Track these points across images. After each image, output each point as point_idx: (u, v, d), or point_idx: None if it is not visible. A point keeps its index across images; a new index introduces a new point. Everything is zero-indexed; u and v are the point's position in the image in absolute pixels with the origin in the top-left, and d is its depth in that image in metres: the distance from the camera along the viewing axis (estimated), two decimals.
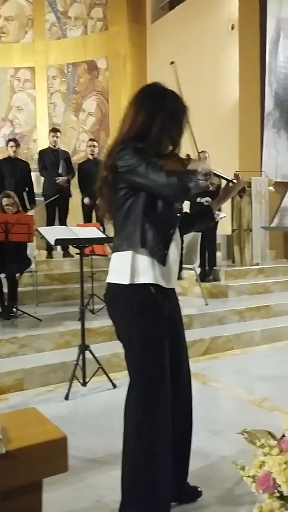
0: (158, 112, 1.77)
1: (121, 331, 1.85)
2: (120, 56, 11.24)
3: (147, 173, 1.68)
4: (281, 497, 1.41)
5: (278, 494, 1.41)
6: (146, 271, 1.76)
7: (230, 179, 1.94)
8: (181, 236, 1.96)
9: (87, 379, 3.60)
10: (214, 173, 1.86)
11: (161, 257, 1.77)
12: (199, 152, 5.48)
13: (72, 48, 11.80)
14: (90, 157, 7.11)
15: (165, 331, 1.81)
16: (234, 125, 8.63)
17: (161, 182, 1.67)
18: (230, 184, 1.96)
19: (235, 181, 1.95)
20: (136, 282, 1.76)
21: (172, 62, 1.88)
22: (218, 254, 7.30)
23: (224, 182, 1.98)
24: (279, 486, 1.39)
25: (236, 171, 2.13)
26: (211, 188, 1.78)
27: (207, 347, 4.51)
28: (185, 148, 1.95)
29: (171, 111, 1.80)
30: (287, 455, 1.36)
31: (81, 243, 3.66)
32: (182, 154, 1.87)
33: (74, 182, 7.17)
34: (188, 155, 1.86)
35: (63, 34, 11.94)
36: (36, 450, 0.88)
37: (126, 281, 1.76)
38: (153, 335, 1.78)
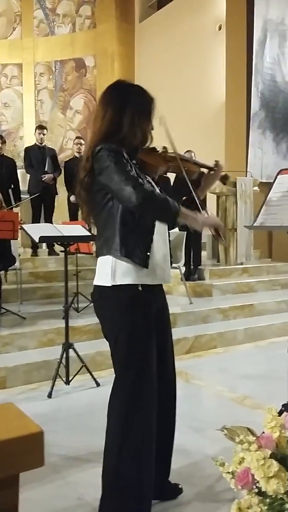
0: (126, 107, 1.80)
1: (108, 330, 1.86)
2: (108, 54, 11.23)
3: (111, 174, 1.70)
4: (260, 493, 1.43)
5: (256, 490, 1.43)
6: (127, 273, 1.77)
7: (211, 166, 1.97)
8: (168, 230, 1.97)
9: (70, 378, 3.59)
10: (194, 162, 1.89)
11: (142, 260, 1.77)
12: (185, 152, 5.54)
13: (60, 46, 11.76)
14: (77, 155, 7.08)
15: (151, 329, 1.82)
16: (220, 125, 8.69)
17: (118, 186, 1.68)
18: (211, 172, 1.98)
19: (215, 168, 1.97)
20: (118, 283, 1.77)
21: (160, 119, 1.89)
22: (204, 253, 7.33)
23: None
24: (258, 482, 1.41)
25: (223, 171, 2.15)
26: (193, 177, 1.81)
27: (191, 346, 4.53)
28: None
29: (139, 104, 1.82)
30: (265, 451, 1.37)
31: (66, 241, 3.65)
32: (158, 147, 1.88)
33: (61, 180, 7.14)
34: (164, 147, 1.88)
35: (51, 31, 11.89)
36: (12, 444, 0.88)
37: (108, 283, 1.78)
38: (139, 333, 1.79)
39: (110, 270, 1.78)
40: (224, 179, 2.02)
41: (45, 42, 11.87)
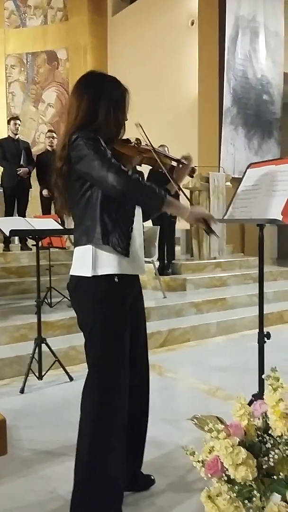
0: (101, 97, 1.80)
1: (83, 320, 1.86)
2: (80, 47, 11.12)
3: (91, 162, 1.68)
4: (229, 480, 1.46)
5: (226, 478, 1.46)
6: (108, 262, 1.77)
7: (181, 160, 1.98)
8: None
9: (43, 373, 3.58)
10: (165, 155, 1.90)
11: (124, 249, 1.77)
12: (159, 146, 5.54)
13: (31, 38, 11.59)
14: (49, 148, 7.02)
15: (126, 320, 1.83)
16: (193, 120, 8.73)
17: (100, 173, 1.66)
18: (181, 165, 2.00)
19: (185, 161, 1.99)
20: (98, 274, 1.76)
21: (137, 125, 1.90)
22: (178, 248, 7.38)
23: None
24: (227, 470, 1.44)
25: (195, 165, 2.17)
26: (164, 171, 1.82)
27: (164, 339, 4.57)
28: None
29: (114, 95, 1.82)
30: (234, 438, 1.40)
31: (37, 234, 3.61)
32: (132, 139, 1.90)
33: (33, 173, 7.07)
34: (137, 139, 1.89)
35: (22, 23, 11.70)
36: None
37: (88, 273, 1.77)
38: (114, 324, 1.79)
39: (90, 260, 1.76)
40: (192, 172, 2.04)
41: (16, 34, 11.68)
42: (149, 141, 1.88)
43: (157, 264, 5.86)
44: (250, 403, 1.78)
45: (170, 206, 1.72)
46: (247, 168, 2.35)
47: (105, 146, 1.75)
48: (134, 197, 1.73)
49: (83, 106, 1.79)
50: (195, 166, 2.14)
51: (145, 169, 2.49)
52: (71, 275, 1.86)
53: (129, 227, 1.81)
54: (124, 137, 1.92)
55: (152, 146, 1.89)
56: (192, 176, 2.08)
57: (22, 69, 11.81)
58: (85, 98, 1.80)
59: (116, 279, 1.77)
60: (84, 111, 1.79)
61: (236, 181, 2.38)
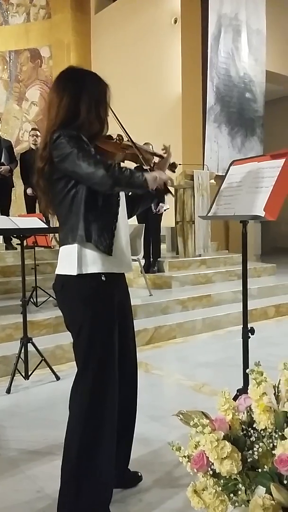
0: (82, 93, 1.78)
1: (70, 320, 1.85)
2: (63, 45, 11.06)
3: (77, 160, 1.67)
4: (214, 474, 1.47)
5: (211, 472, 1.47)
6: (93, 261, 1.77)
7: (162, 154, 1.98)
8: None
9: (29, 372, 3.56)
10: (147, 151, 1.91)
11: (107, 247, 1.77)
12: (143, 144, 5.55)
13: (14, 35, 11.48)
14: (33, 146, 6.97)
15: (114, 319, 1.83)
16: (177, 118, 8.75)
17: (88, 170, 1.66)
18: (161, 159, 1.99)
19: (165, 154, 1.98)
20: (84, 272, 1.76)
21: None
22: (163, 246, 7.40)
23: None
24: (212, 464, 1.45)
25: (179, 163, 2.17)
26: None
27: (150, 337, 4.58)
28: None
29: (94, 90, 1.80)
30: (219, 433, 1.42)
31: (22, 233, 3.60)
32: (113, 134, 1.89)
33: (17, 172, 7.02)
34: (119, 135, 1.89)
35: (4, 20, 11.58)
36: None
37: (73, 272, 1.76)
38: (102, 323, 1.79)
39: (76, 259, 1.76)
40: (173, 167, 2.03)
41: None
42: (129, 135, 1.88)
43: (142, 262, 5.88)
44: (235, 398, 1.81)
45: (149, 182, 1.73)
46: (230, 165, 2.37)
47: (88, 143, 1.74)
48: (123, 189, 1.76)
49: (64, 103, 1.77)
50: (179, 164, 2.15)
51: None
52: (57, 275, 1.85)
53: (113, 226, 1.81)
54: (107, 134, 1.92)
55: (132, 141, 1.89)
56: (173, 171, 2.08)
57: (5, 67, 11.70)
58: (65, 95, 1.77)
59: (103, 278, 1.77)
60: (65, 108, 1.76)
61: (220, 179, 2.39)
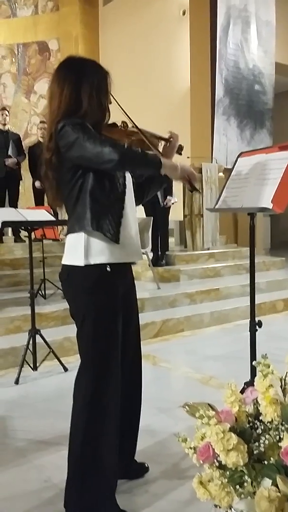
0: (83, 82, 1.77)
1: (75, 310, 1.86)
2: (72, 37, 11.01)
3: (82, 143, 1.66)
4: (220, 466, 1.47)
5: (217, 464, 1.48)
6: (100, 251, 1.77)
7: (168, 138, 1.96)
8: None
9: (38, 364, 3.59)
10: (153, 135, 1.90)
11: (114, 236, 1.77)
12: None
13: (22, 28, 11.45)
14: (41, 139, 6.95)
15: (119, 310, 1.83)
16: (185, 111, 8.69)
17: (94, 150, 1.65)
18: (168, 143, 1.97)
19: (171, 139, 1.96)
20: (91, 263, 1.76)
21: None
22: (171, 239, 7.39)
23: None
24: (218, 456, 1.45)
25: (188, 156, 2.16)
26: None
27: (158, 330, 4.59)
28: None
29: (95, 79, 1.80)
30: (225, 424, 1.42)
31: (30, 225, 3.61)
32: (118, 122, 1.88)
33: (26, 166, 7.02)
34: (124, 122, 1.88)
35: (13, 13, 11.55)
36: None
37: (80, 262, 1.76)
38: (105, 313, 1.79)
39: (83, 249, 1.76)
40: (179, 149, 1.99)
41: (6, 24, 11.53)
42: (133, 122, 1.87)
43: (150, 255, 5.87)
44: (242, 391, 1.80)
45: (165, 167, 1.74)
46: (238, 157, 2.36)
47: (92, 129, 1.73)
48: (132, 166, 1.75)
49: (66, 93, 1.76)
50: (187, 157, 2.14)
51: None
52: (63, 264, 1.85)
53: (120, 214, 1.80)
54: (110, 122, 1.91)
55: (137, 127, 1.87)
56: (180, 154, 2.05)
57: (13, 60, 11.69)
58: (66, 85, 1.77)
59: (108, 268, 1.77)
60: (67, 98, 1.76)
61: (229, 172, 2.38)
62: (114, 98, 1.86)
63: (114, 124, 1.89)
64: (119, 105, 1.83)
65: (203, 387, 3.24)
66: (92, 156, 1.67)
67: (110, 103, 1.86)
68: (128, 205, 1.85)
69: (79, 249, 1.77)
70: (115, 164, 1.67)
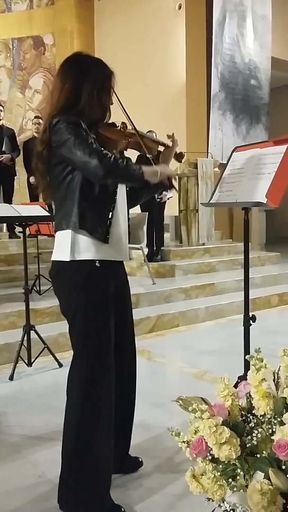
0: (84, 79, 1.77)
1: (65, 306, 1.86)
2: (67, 32, 10.95)
3: (73, 148, 1.67)
4: (213, 460, 1.48)
5: (210, 457, 1.48)
6: (87, 248, 1.76)
7: (167, 143, 1.97)
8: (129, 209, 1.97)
9: (32, 359, 3.58)
10: (152, 140, 1.90)
11: (102, 235, 1.77)
12: (147, 132, 5.52)
13: (17, 23, 11.37)
14: (36, 135, 6.93)
15: (110, 305, 1.83)
16: (181, 105, 8.67)
17: (82, 159, 1.66)
18: (167, 148, 1.98)
19: (170, 144, 1.97)
20: (77, 259, 1.76)
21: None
22: (167, 235, 7.39)
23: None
24: (211, 449, 1.46)
25: (184, 152, 2.16)
26: (150, 156, 1.82)
27: (153, 325, 4.59)
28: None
29: (99, 77, 1.80)
30: (217, 418, 1.42)
31: (23, 221, 3.60)
32: (117, 123, 1.88)
33: (21, 161, 6.99)
34: (123, 123, 1.88)
35: (7, 7, 11.47)
36: None
37: (66, 258, 1.76)
38: (96, 309, 1.79)
39: (69, 245, 1.76)
40: (179, 157, 2.03)
41: (1, 19, 11.44)
42: (133, 124, 1.87)
43: (146, 250, 5.87)
44: (236, 385, 1.80)
45: (146, 174, 1.74)
46: (233, 151, 2.35)
47: (87, 130, 1.73)
48: (115, 180, 1.76)
49: (66, 88, 1.77)
50: (184, 152, 2.14)
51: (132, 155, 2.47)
52: (52, 261, 1.86)
53: (109, 214, 1.80)
54: (110, 121, 1.91)
55: (136, 130, 1.87)
56: (180, 161, 2.07)
57: (8, 54, 11.61)
58: (68, 80, 1.78)
59: (97, 264, 1.77)
60: (67, 93, 1.77)
61: (224, 166, 2.37)
62: (118, 98, 1.86)
63: (113, 124, 1.89)
64: (121, 105, 1.83)
65: (198, 381, 3.25)
66: (78, 163, 1.69)
67: (112, 103, 1.86)
68: (119, 205, 1.85)
69: (66, 245, 1.77)
70: (98, 178, 1.69)
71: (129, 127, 1.90)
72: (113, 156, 1.68)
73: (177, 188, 1.93)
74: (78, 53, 1.89)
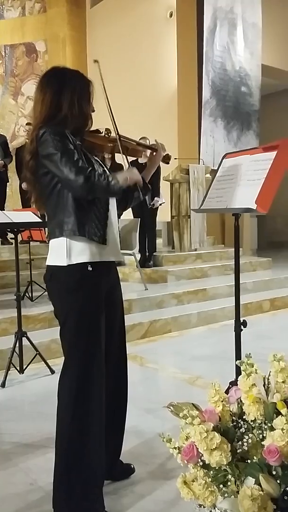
0: (64, 89, 1.83)
1: (58, 309, 1.89)
2: (59, 39, 11.00)
3: (59, 164, 1.71)
4: (204, 465, 1.48)
5: (201, 464, 1.48)
6: (82, 251, 1.80)
7: (153, 147, 2.03)
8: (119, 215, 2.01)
9: (24, 366, 3.57)
10: (138, 143, 1.94)
11: (101, 238, 1.81)
12: (140, 139, 5.55)
13: (9, 30, 11.41)
14: (28, 141, 6.94)
15: (101, 309, 1.85)
16: (173, 112, 8.72)
17: (68, 177, 1.70)
18: (154, 153, 2.04)
19: (156, 148, 2.03)
20: (73, 263, 1.79)
21: (95, 61, 1.96)
22: (159, 240, 7.40)
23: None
24: (202, 455, 1.46)
25: (175, 158, 2.20)
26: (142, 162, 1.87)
27: (146, 331, 4.59)
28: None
29: (77, 86, 1.85)
30: (208, 424, 1.43)
31: (15, 227, 3.59)
32: (101, 129, 1.93)
33: (13, 168, 6.99)
34: (107, 129, 1.93)
35: (0, 14, 11.50)
36: None
37: (63, 262, 1.79)
38: (88, 313, 1.81)
39: (65, 251, 1.79)
40: (166, 159, 2.08)
41: None
42: (116, 129, 1.92)
43: (138, 256, 5.87)
44: (227, 391, 1.81)
45: (121, 181, 1.77)
46: (223, 158, 2.37)
47: (73, 139, 1.78)
48: (97, 196, 1.81)
49: (47, 100, 1.82)
50: (175, 158, 2.19)
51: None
52: (47, 265, 1.89)
53: (105, 216, 1.85)
54: (98, 127, 1.95)
55: (119, 135, 1.93)
56: (167, 163, 2.12)
57: (1, 61, 11.63)
58: (48, 91, 1.83)
59: (89, 268, 1.79)
60: (48, 104, 1.82)
61: (214, 173, 2.40)
62: (108, 103, 1.90)
63: (97, 131, 1.95)
64: (110, 110, 1.87)
65: (190, 387, 3.25)
66: (63, 179, 1.73)
67: (93, 111, 1.91)
68: (111, 205, 1.89)
69: (62, 250, 1.80)
70: (80, 196, 1.75)
71: (113, 133, 1.95)
72: (96, 174, 1.72)
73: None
74: (56, 67, 1.95)
